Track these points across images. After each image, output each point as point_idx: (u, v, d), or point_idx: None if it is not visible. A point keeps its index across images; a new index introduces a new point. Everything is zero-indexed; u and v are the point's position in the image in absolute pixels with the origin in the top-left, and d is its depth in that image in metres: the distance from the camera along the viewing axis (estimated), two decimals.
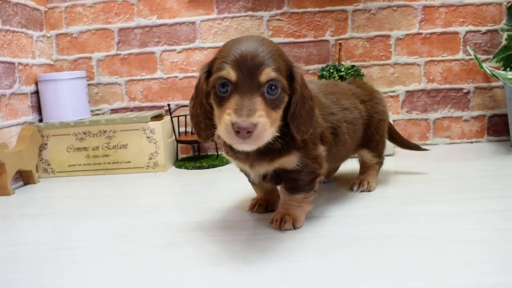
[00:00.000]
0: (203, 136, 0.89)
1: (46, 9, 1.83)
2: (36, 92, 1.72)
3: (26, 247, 0.95)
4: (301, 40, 1.79)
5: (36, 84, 1.72)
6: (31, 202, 1.36)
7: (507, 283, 0.65)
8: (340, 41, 1.74)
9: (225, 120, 0.77)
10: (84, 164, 1.67)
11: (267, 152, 0.88)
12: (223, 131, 0.78)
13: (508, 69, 1.65)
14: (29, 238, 1.01)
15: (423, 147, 1.42)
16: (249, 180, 1.06)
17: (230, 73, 0.79)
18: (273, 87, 0.80)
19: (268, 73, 0.79)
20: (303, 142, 0.90)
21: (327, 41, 1.79)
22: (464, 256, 0.76)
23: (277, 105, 0.82)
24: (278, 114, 0.83)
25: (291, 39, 1.79)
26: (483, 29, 1.76)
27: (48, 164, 1.68)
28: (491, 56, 1.67)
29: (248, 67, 0.78)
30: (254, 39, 0.83)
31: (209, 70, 0.86)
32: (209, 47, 1.81)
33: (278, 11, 1.78)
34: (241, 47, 0.81)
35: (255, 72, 0.79)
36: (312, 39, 1.79)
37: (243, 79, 0.78)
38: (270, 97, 0.80)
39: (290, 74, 0.85)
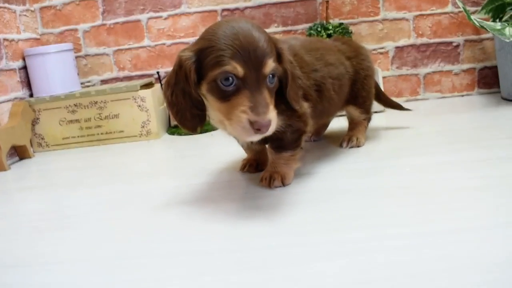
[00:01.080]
0: (190, 126, 0.87)
1: None
2: (24, 67, 1.72)
3: (26, 218, 0.97)
4: (288, 0, 1.77)
5: (24, 59, 1.71)
6: (28, 176, 1.38)
7: (486, 226, 0.67)
8: None
9: (240, 118, 0.76)
10: (78, 136, 1.68)
11: None
12: (237, 128, 0.77)
13: (497, 20, 1.64)
14: (28, 210, 1.03)
15: (412, 104, 1.42)
16: (239, 143, 1.07)
17: (236, 68, 0.77)
18: (272, 76, 0.82)
19: (270, 65, 0.80)
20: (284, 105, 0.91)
21: None
22: (446, 204, 0.77)
23: (273, 91, 0.84)
24: (273, 97, 0.84)
25: None
26: None
27: (42, 138, 1.69)
28: (480, 8, 1.65)
29: (253, 61, 0.78)
30: (245, 24, 0.82)
31: (199, 59, 0.82)
32: (195, 12, 1.79)
33: None
34: (237, 36, 0.79)
35: (259, 65, 0.79)
36: None
37: (250, 73, 0.78)
38: (270, 86, 0.82)
39: (277, 55, 0.85)
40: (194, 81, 0.82)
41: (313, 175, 1.01)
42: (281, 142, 0.94)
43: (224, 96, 0.79)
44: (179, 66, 0.84)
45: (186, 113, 0.85)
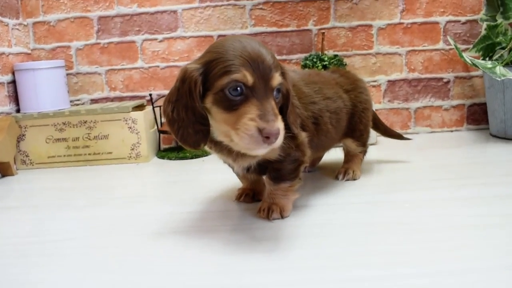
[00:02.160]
0: (192, 143, 0.83)
1: None
2: (13, 82, 1.68)
3: (4, 241, 0.92)
4: (284, 29, 1.78)
5: (13, 73, 1.67)
6: (9, 195, 1.33)
7: (489, 268, 0.67)
8: (323, 31, 1.74)
9: (248, 126, 0.75)
10: (64, 156, 1.63)
11: None
12: (245, 137, 0.75)
13: (487, 58, 1.68)
14: (7, 231, 0.98)
15: (405, 136, 1.43)
16: (234, 171, 1.05)
17: (246, 76, 0.77)
18: (278, 91, 0.82)
19: (277, 78, 0.80)
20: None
21: (310, 30, 1.78)
22: (448, 242, 0.77)
23: (277, 106, 0.82)
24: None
25: (274, 29, 1.78)
26: (463, 19, 1.79)
27: (27, 156, 1.64)
28: (471, 46, 1.70)
29: (261, 71, 0.78)
30: (251, 40, 0.82)
31: (205, 71, 0.81)
32: (191, 36, 1.79)
33: (261, 0, 1.76)
34: (246, 48, 0.79)
35: (267, 76, 0.79)
36: (295, 28, 1.78)
37: (258, 83, 0.78)
38: (276, 100, 0.81)
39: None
40: (200, 93, 0.81)
41: (310, 208, 0.99)
42: (279, 172, 0.93)
43: (231, 106, 0.78)
44: (182, 81, 0.82)
45: (189, 129, 0.82)
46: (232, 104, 0.77)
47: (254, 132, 0.74)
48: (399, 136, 1.41)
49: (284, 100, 0.87)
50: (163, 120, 1.78)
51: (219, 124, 0.82)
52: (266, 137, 0.74)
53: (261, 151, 0.79)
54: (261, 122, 0.74)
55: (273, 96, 0.80)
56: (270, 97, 0.79)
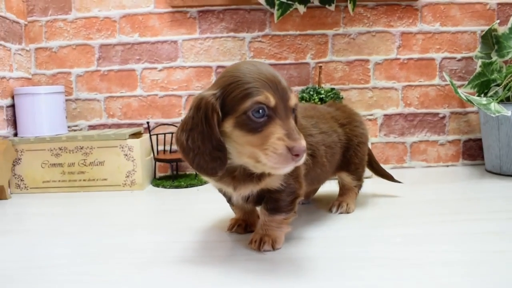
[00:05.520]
0: (210, 170, 0.82)
1: (26, 23, 1.81)
2: (12, 106, 1.69)
3: None
4: (282, 62, 1.81)
5: (13, 97, 1.68)
6: (2, 218, 1.31)
7: None
8: (320, 64, 1.77)
9: (277, 145, 0.76)
10: (59, 181, 1.63)
11: (253, 173, 0.87)
12: (274, 156, 0.76)
13: (482, 95, 1.70)
14: None
15: (398, 171, 1.43)
16: (228, 201, 1.05)
17: (269, 98, 0.78)
18: (293, 111, 0.84)
19: (294, 98, 0.83)
20: None
21: (307, 63, 1.81)
22: (438, 279, 0.76)
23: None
24: None
25: (272, 61, 1.81)
26: (458, 56, 1.82)
27: (21, 180, 1.63)
28: (466, 82, 1.72)
29: (280, 92, 0.80)
30: (262, 63, 0.85)
31: (223, 96, 0.81)
32: (190, 66, 1.81)
33: (260, 33, 1.80)
34: (262, 71, 0.81)
35: (286, 97, 0.81)
36: (293, 61, 1.81)
37: (279, 104, 0.80)
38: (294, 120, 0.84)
39: None
40: (218, 118, 0.81)
41: (304, 241, 0.98)
42: (277, 203, 0.93)
43: (255, 128, 0.79)
44: (197, 108, 0.82)
45: (205, 157, 0.81)
46: (256, 126, 0.79)
47: (284, 150, 0.76)
48: (390, 178, 1.40)
49: (294, 121, 0.88)
50: (159, 148, 1.79)
51: (242, 147, 0.82)
52: (296, 154, 0.76)
53: (288, 169, 0.81)
54: (289, 141, 0.76)
55: (292, 115, 0.83)
56: (290, 117, 0.81)
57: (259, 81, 0.79)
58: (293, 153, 0.76)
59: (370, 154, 1.35)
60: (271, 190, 0.91)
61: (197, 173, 0.85)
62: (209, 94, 0.81)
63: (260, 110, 0.78)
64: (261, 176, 0.88)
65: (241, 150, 0.82)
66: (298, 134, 0.78)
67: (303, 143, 0.77)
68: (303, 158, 0.79)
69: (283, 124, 0.78)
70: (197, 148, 0.82)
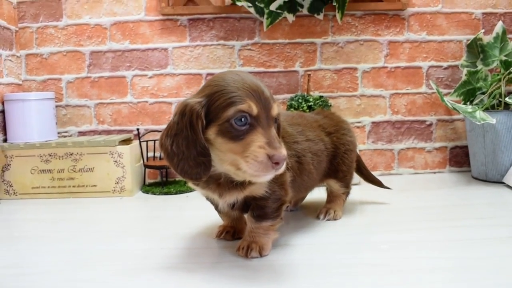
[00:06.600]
0: (194, 175, 0.84)
1: (17, 29, 1.82)
2: (2, 112, 1.69)
3: None
4: (271, 70, 1.83)
5: (3, 103, 1.68)
6: None
7: None
8: (309, 72, 1.79)
9: (258, 153, 0.78)
10: (48, 187, 1.63)
11: (237, 181, 0.88)
12: (254, 164, 0.78)
13: (468, 103, 1.73)
14: None
15: (386, 178, 1.45)
16: (216, 209, 1.06)
17: (252, 106, 0.80)
18: (275, 120, 0.86)
19: (276, 108, 0.85)
20: None
21: (296, 71, 1.83)
22: (424, 285, 0.78)
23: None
24: None
25: (262, 69, 1.83)
26: (445, 64, 1.85)
27: (11, 186, 1.63)
28: (452, 90, 1.75)
29: (263, 101, 0.82)
30: (247, 73, 0.87)
31: (208, 104, 0.83)
32: (180, 74, 1.82)
33: (250, 41, 1.82)
34: (245, 81, 0.83)
35: (268, 106, 0.83)
36: (282, 69, 1.83)
37: (262, 113, 0.82)
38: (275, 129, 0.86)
39: None
40: (202, 125, 0.82)
41: (291, 247, 1.00)
42: (263, 210, 0.94)
43: (238, 136, 0.80)
44: (182, 114, 0.83)
45: (189, 162, 0.83)
46: (238, 133, 0.80)
47: (264, 158, 0.78)
48: (379, 184, 1.42)
49: (277, 130, 0.90)
50: (149, 155, 1.79)
51: (224, 154, 0.83)
52: (275, 163, 0.78)
53: (268, 177, 0.82)
54: (270, 149, 0.78)
55: (274, 125, 0.85)
56: (272, 126, 0.83)
57: (242, 90, 0.81)
58: (273, 161, 0.78)
59: (359, 160, 1.36)
60: (257, 197, 0.93)
61: (181, 177, 0.86)
62: (195, 102, 0.83)
63: (243, 119, 0.80)
64: (245, 183, 0.89)
65: (223, 157, 0.84)
66: (279, 143, 0.80)
67: (283, 151, 0.79)
68: (283, 167, 0.81)
69: (264, 132, 0.80)
70: (181, 153, 0.83)
